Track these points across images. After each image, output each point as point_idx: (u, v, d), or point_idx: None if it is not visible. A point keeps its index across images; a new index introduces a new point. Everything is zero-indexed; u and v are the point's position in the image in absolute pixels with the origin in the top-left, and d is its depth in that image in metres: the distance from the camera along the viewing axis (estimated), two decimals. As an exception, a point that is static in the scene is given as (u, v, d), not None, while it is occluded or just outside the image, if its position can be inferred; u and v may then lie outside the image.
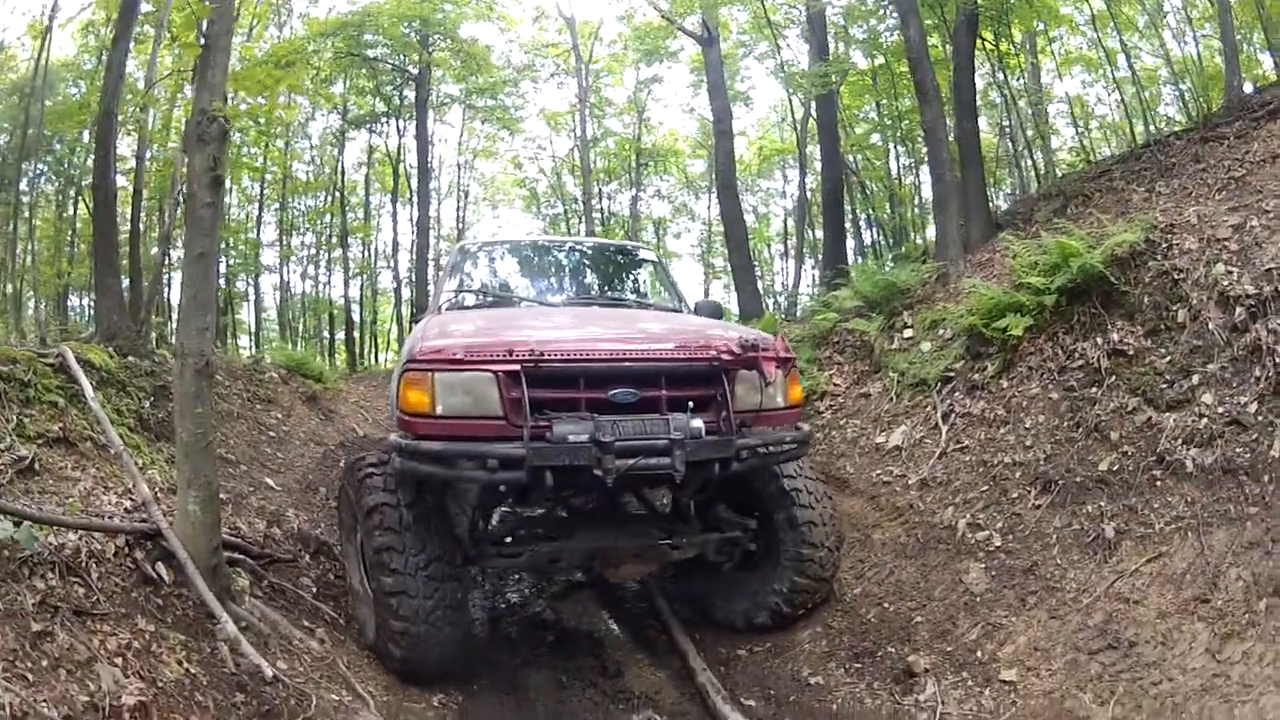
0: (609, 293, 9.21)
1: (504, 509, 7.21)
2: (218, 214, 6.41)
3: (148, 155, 19.01)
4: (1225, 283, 6.82)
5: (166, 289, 18.66)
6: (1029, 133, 21.30)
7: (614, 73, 33.55)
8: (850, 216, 25.84)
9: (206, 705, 4.86)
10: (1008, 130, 22.56)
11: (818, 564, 6.98)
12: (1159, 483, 6.33)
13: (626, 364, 5.98)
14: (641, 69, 32.21)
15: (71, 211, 23.47)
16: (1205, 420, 6.32)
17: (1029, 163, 21.78)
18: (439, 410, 5.85)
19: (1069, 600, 6.05)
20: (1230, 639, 5.07)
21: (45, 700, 4.17)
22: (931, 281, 12.04)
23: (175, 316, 26.56)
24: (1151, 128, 18.07)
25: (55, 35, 18.51)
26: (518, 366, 5.76)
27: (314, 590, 7.35)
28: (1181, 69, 18.48)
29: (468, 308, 8.32)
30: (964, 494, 7.71)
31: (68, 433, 7.19)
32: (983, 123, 20.25)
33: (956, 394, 8.91)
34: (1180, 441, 6.36)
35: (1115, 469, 6.66)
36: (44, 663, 4.49)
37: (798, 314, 21.16)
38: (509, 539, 6.81)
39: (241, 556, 6.86)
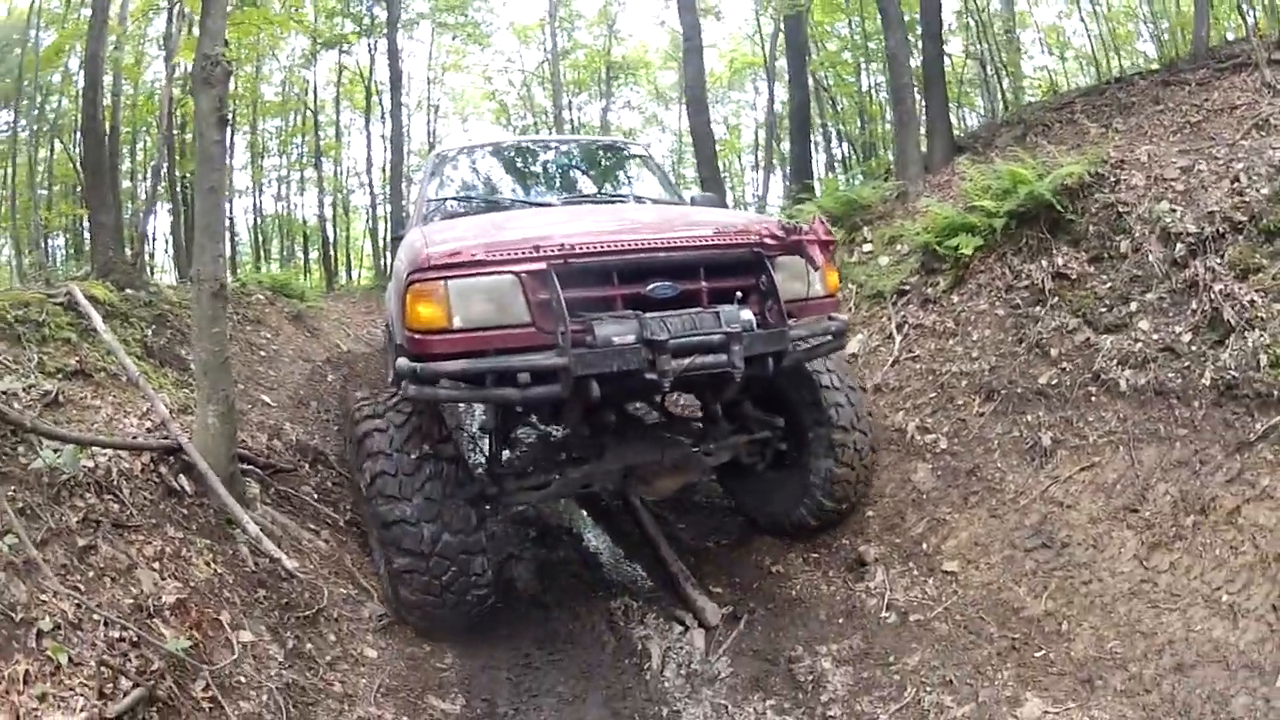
0: (604, 191, 8.57)
1: (524, 434, 6.53)
2: (225, 150, 6.80)
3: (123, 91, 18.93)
4: (1168, 220, 6.83)
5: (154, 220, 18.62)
6: (1001, 57, 21.42)
7: None
8: (822, 131, 26.13)
9: (234, 600, 5.48)
10: (978, 56, 22.68)
11: (854, 450, 6.69)
12: (1094, 398, 6.58)
13: (664, 254, 5.42)
14: None
15: (48, 154, 23.51)
16: (1140, 345, 6.51)
17: (999, 88, 21.93)
18: (456, 323, 5.18)
19: (1007, 501, 6.44)
20: (1158, 549, 5.39)
21: (98, 604, 4.69)
22: (892, 199, 12.28)
23: (159, 247, 26.98)
24: (1127, 62, 18.37)
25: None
26: (545, 265, 5.16)
27: (315, 496, 7.76)
28: (1160, 10, 18.63)
29: (455, 215, 7.53)
30: (914, 399, 8.04)
31: (84, 365, 7.51)
32: (956, 45, 20.52)
33: (910, 306, 9.16)
34: (1115, 362, 6.57)
35: (1054, 383, 6.93)
36: (91, 573, 5.00)
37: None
38: (532, 469, 6.30)
39: (250, 467, 7.18)
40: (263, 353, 12.43)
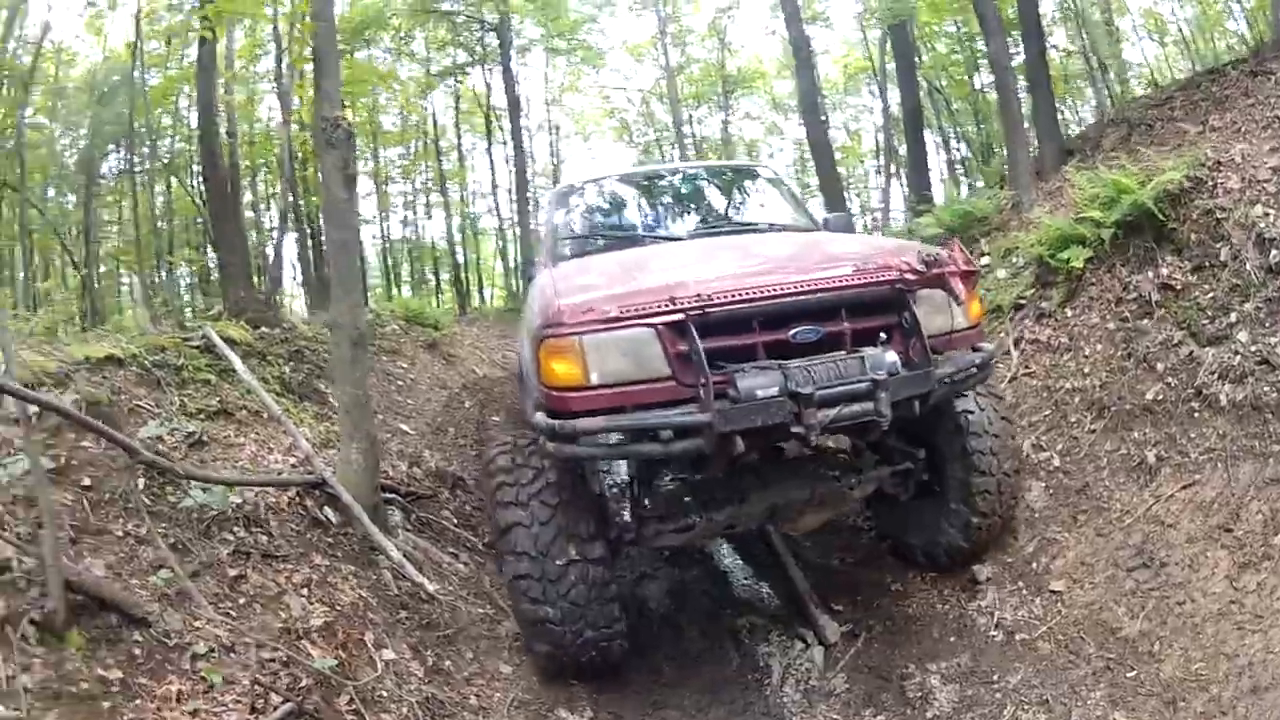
0: (734, 218, 8.27)
1: (666, 478, 6.18)
2: (354, 206, 7.14)
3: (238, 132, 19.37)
4: (1262, 224, 6.74)
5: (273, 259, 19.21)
6: (1101, 50, 20.84)
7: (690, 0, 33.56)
8: (939, 132, 25.87)
9: (377, 621, 5.85)
10: (1081, 50, 22.15)
11: (993, 495, 6.35)
12: (1196, 414, 6.43)
13: (804, 297, 5.17)
14: None
15: (165, 190, 24.22)
16: (1239, 357, 6.31)
17: (1103, 82, 21.30)
18: (593, 379, 5.04)
19: (1113, 520, 6.37)
20: (1247, 569, 5.31)
21: (249, 629, 5.10)
22: (1006, 209, 12.05)
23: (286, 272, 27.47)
24: (1221, 45, 17.94)
25: (109, 25, 19.92)
26: (682, 316, 4.97)
27: (454, 520, 8.09)
28: (1250, -11, 17.54)
29: (584, 254, 7.36)
30: (1030, 417, 7.83)
31: (225, 405, 7.87)
32: (1060, 36, 20.17)
33: (1027, 321, 8.87)
34: (1216, 376, 6.40)
35: (1159, 399, 6.79)
36: (242, 600, 5.42)
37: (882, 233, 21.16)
38: (674, 512, 5.96)
39: (392, 495, 7.48)
40: (400, 382, 12.76)
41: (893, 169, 28.71)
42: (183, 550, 5.62)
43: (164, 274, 24.25)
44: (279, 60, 19.46)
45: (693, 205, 8.65)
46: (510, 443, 6.07)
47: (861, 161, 36.63)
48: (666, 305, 5.04)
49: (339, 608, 5.77)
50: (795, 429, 4.82)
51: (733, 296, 5.10)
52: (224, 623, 5.10)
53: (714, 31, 34.05)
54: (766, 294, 5.16)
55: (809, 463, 6.00)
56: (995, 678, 5.69)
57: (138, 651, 4.62)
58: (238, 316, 10.90)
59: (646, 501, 5.90)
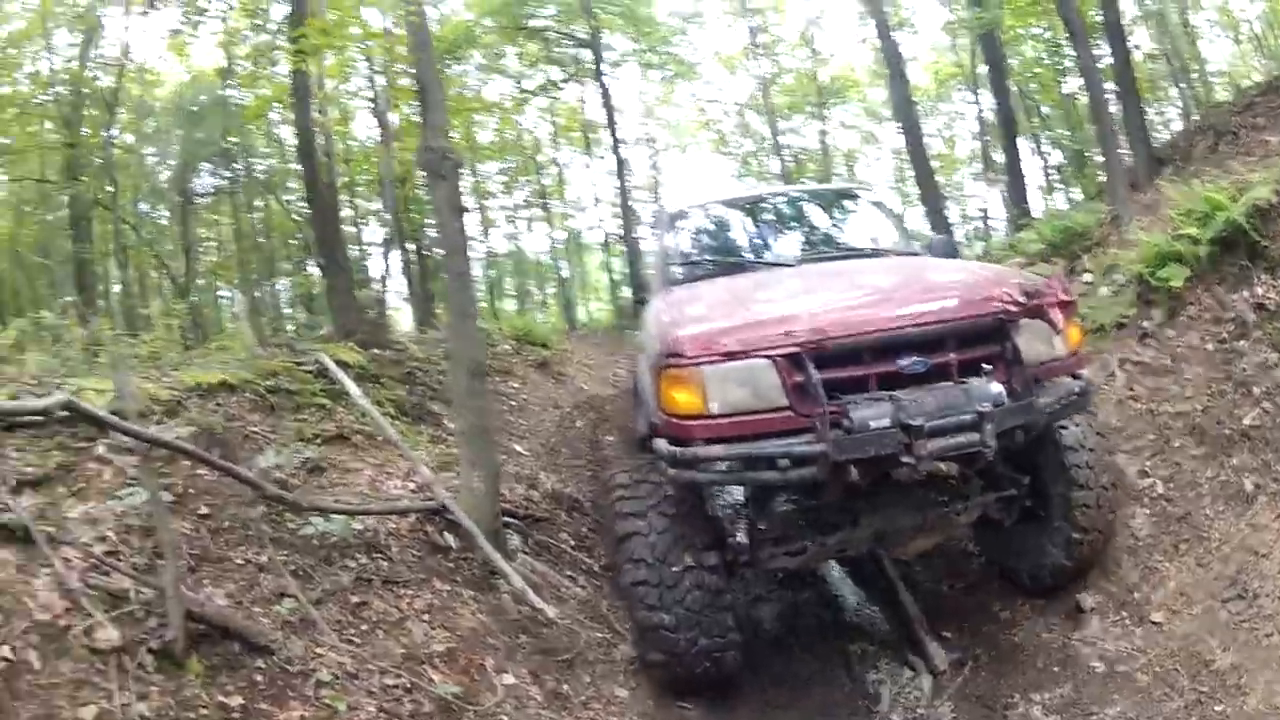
0: (839, 243, 8.39)
1: (780, 501, 6.24)
2: (466, 237, 7.32)
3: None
4: None
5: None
6: (1183, 51, 20.74)
7: (778, 10, 33.62)
8: (1032, 139, 25.55)
9: (497, 646, 5.98)
10: (1163, 52, 22.02)
11: (1093, 509, 6.30)
12: None
13: (913, 330, 5.36)
14: (805, 4, 33.00)
15: (263, 208, 24.94)
16: None
17: (1187, 85, 21.22)
18: (713, 408, 5.26)
19: (1212, 549, 6.26)
20: None
21: (373, 655, 5.32)
22: (1106, 223, 11.88)
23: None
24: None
25: (192, 45, 20.26)
26: (798, 349, 5.18)
27: (572, 543, 8.12)
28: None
29: (696, 279, 7.49)
30: (1134, 441, 7.58)
31: (341, 430, 8.03)
32: (1140, 36, 19.94)
33: (1130, 341, 8.55)
34: None
35: (1256, 424, 6.69)
36: (365, 627, 5.64)
37: (987, 249, 21.20)
38: (787, 536, 6.11)
39: (510, 519, 7.54)
40: (512, 402, 12.83)
41: (991, 175, 28.38)
42: (304, 577, 5.83)
43: (265, 291, 25.05)
44: (372, 81, 20.11)
45: (798, 229, 8.79)
46: (631, 465, 6.42)
47: (958, 168, 36.14)
48: (783, 339, 5.23)
49: (460, 633, 5.94)
50: (905, 459, 4.98)
51: (846, 331, 5.29)
52: (347, 649, 5.32)
53: (804, 41, 33.83)
54: (877, 328, 5.35)
55: (917, 488, 6.04)
56: (1094, 710, 5.66)
57: (259, 679, 4.81)
58: (347, 337, 11.21)
59: (761, 524, 6.02)
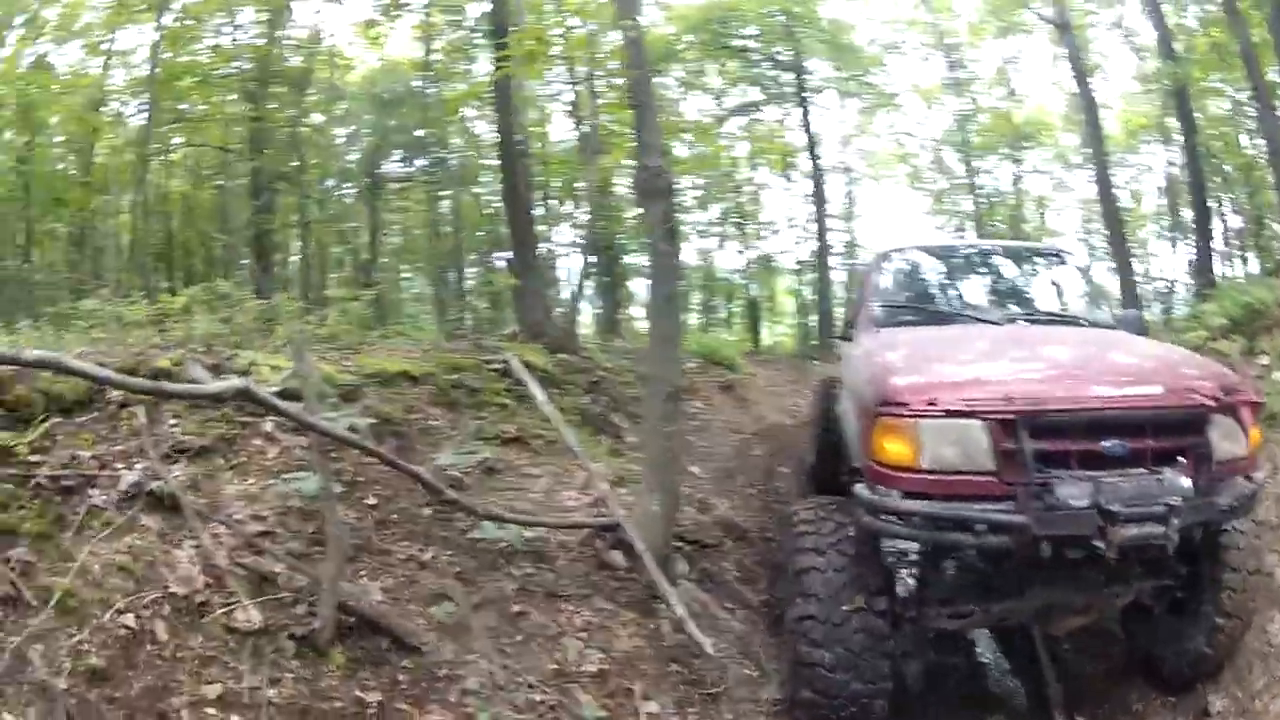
0: (1042, 306, 8.17)
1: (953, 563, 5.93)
2: (678, 261, 7.09)
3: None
4: None
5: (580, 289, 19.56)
6: None
7: (974, 45, 32.37)
8: (1214, 198, 24.42)
9: (647, 673, 5.71)
10: None
11: (1238, 593, 5.97)
12: None
13: (1121, 412, 5.23)
14: (1000, 43, 31.09)
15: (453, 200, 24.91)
16: None
17: None
18: (924, 463, 5.12)
19: None
20: None
21: (524, 668, 5.09)
22: None
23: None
24: None
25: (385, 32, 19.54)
26: (1015, 415, 5.02)
27: (735, 574, 7.78)
28: None
29: (902, 324, 7.39)
30: None
31: (521, 433, 7.89)
32: None
33: None
34: None
35: None
36: (520, 638, 5.41)
37: (1169, 316, 20.57)
38: (954, 598, 5.91)
39: (679, 542, 7.25)
40: (694, 422, 12.47)
41: (1176, 235, 27.38)
42: (467, 581, 5.66)
43: (450, 280, 25.13)
44: (572, 84, 20.15)
45: (1005, 287, 8.58)
46: (815, 502, 6.31)
47: (1143, 224, 34.78)
48: (1002, 404, 5.07)
49: (614, 655, 5.68)
50: (1097, 543, 4.85)
51: (1062, 405, 5.15)
52: (499, 659, 5.11)
53: (999, 79, 32.82)
54: (1090, 406, 5.23)
55: (1084, 567, 5.67)
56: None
57: (403, 678, 4.69)
58: (534, 339, 11.13)
59: (930, 583, 5.77)
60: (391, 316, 19.02)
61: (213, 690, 3.98)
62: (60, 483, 4.65)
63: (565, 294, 19.02)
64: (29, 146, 20.64)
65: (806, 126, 28.30)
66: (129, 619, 4.02)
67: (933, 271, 8.69)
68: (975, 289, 8.47)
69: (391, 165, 23.75)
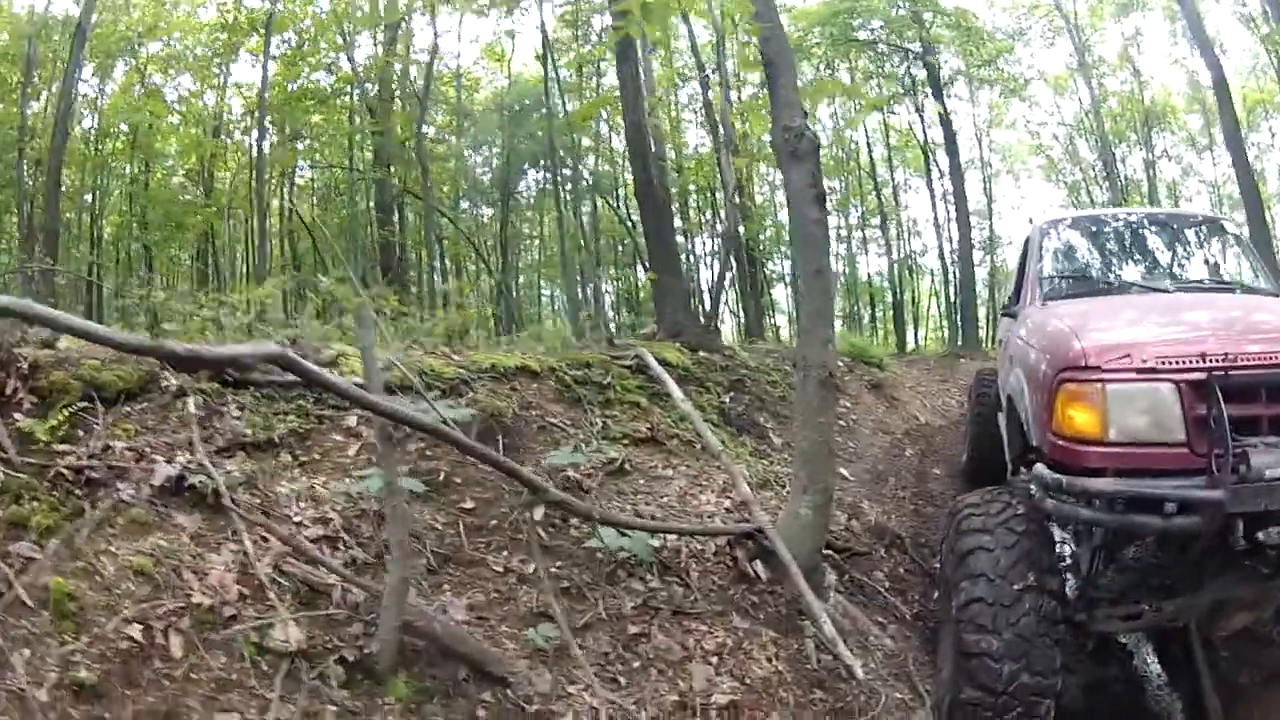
0: (1209, 274, 7.70)
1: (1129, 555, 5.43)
2: (826, 229, 6.44)
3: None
4: None
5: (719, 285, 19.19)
6: None
7: (1095, 28, 31.50)
8: None
9: (787, 701, 4.96)
10: None
11: None
12: None
13: None
14: (1121, 21, 30.19)
15: (591, 210, 25.34)
16: None
17: None
18: (1111, 434, 4.60)
19: None
20: None
21: (634, 701, 4.39)
22: None
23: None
24: None
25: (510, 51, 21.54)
26: (1205, 375, 4.52)
27: (887, 584, 7.09)
28: None
29: (1073, 296, 7.00)
30: None
31: (654, 432, 7.34)
32: None
33: None
34: None
35: None
36: (636, 664, 4.70)
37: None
38: (1126, 596, 5.35)
39: (828, 552, 6.61)
40: (842, 423, 11.66)
41: None
42: (576, 596, 4.99)
43: (588, 291, 25.22)
44: (704, 85, 19.87)
45: (1170, 254, 8.20)
46: (982, 502, 5.55)
47: (1269, 206, 33.07)
48: (1195, 361, 4.58)
49: (749, 681, 4.91)
50: None
51: (1258, 361, 4.66)
52: (607, 690, 4.37)
53: (1124, 61, 31.63)
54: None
55: (1246, 558, 5.10)
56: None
57: (482, 714, 4.03)
58: (674, 338, 10.62)
59: (1101, 580, 5.27)
60: (526, 323, 18.97)
61: (225, 720, 3.42)
62: (84, 474, 4.15)
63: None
64: (146, 173, 22.38)
65: (942, 120, 27.76)
66: (135, 630, 3.48)
67: (1095, 241, 8.28)
68: (1138, 257, 8.08)
69: (524, 179, 24.85)
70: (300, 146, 23.34)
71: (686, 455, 7.29)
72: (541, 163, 23.05)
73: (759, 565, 5.92)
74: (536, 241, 26.99)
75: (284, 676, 3.64)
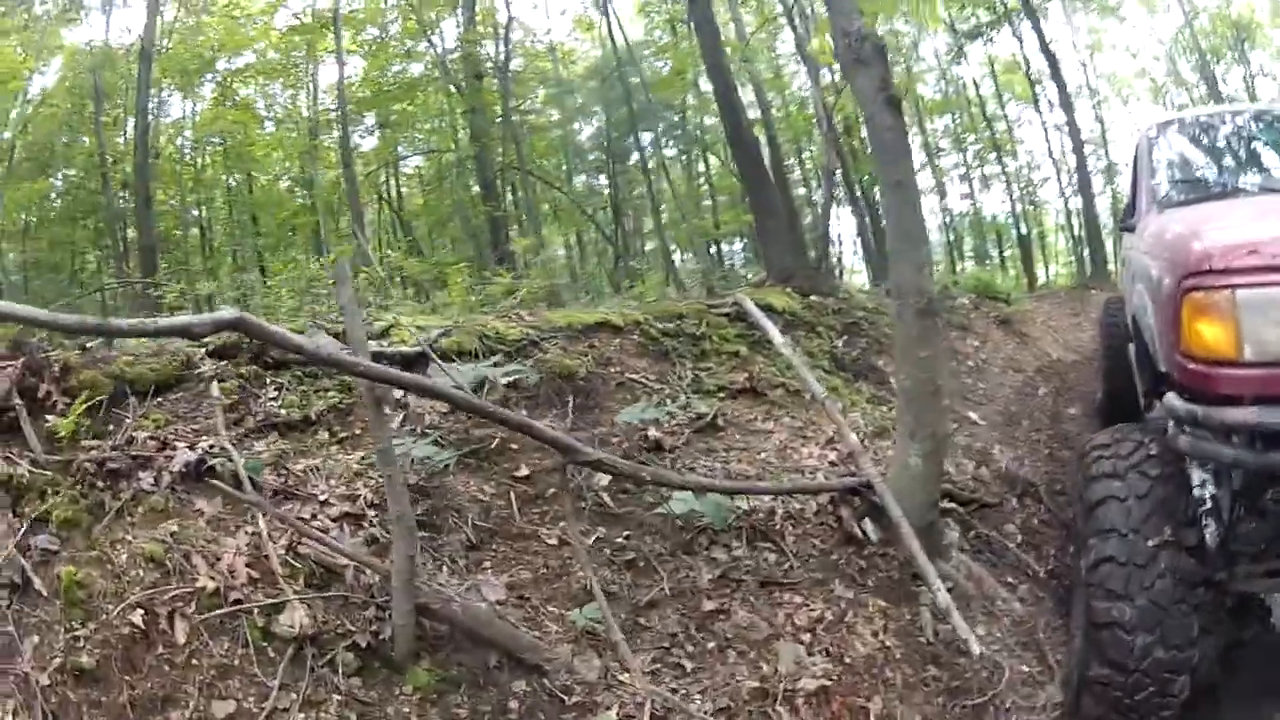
0: None
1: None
2: (903, 136, 5.73)
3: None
4: None
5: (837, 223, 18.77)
6: None
7: None
8: None
9: (893, 681, 4.42)
10: None
11: None
12: None
13: None
14: None
15: (702, 168, 25.58)
16: None
17: None
18: (1246, 352, 3.90)
19: None
20: None
21: (700, 691, 3.96)
22: None
23: (848, 249, 27.95)
24: None
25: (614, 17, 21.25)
26: None
27: (1019, 539, 6.33)
28: None
29: (1195, 201, 6.09)
30: None
31: (754, 382, 6.87)
32: None
33: None
34: None
35: None
36: (711, 644, 4.23)
37: None
38: (1268, 548, 4.56)
39: (951, 505, 5.98)
40: (970, 363, 11.32)
41: None
42: (642, 570, 4.50)
43: (716, 250, 25.31)
44: (791, 24, 19.40)
45: None
46: (1112, 442, 4.81)
47: None
48: None
49: (849, 660, 4.36)
50: None
51: None
52: (669, 676, 3.95)
53: None
54: None
55: None
56: None
57: (514, 706, 3.71)
58: (784, 283, 10.18)
59: (1241, 530, 4.45)
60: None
61: (222, 708, 3.28)
62: (105, 466, 4.01)
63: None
64: (248, 181, 23.88)
65: (1043, 46, 26.41)
66: (138, 615, 3.38)
67: (1209, 143, 7.42)
68: (1258, 158, 7.17)
69: (629, 143, 24.11)
70: (400, 136, 23.98)
71: (791, 406, 6.82)
72: (639, 126, 22.56)
73: (868, 525, 5.37)
74: (660, 203, 27.00)
75: (288, 663, 3.46)
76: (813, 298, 9.68)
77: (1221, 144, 7.42)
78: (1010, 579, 5.77)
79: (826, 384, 7.11)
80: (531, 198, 23.27)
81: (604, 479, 4.91)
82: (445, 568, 4.07)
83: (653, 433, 5.57)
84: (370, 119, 22.88)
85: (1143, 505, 4.33)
